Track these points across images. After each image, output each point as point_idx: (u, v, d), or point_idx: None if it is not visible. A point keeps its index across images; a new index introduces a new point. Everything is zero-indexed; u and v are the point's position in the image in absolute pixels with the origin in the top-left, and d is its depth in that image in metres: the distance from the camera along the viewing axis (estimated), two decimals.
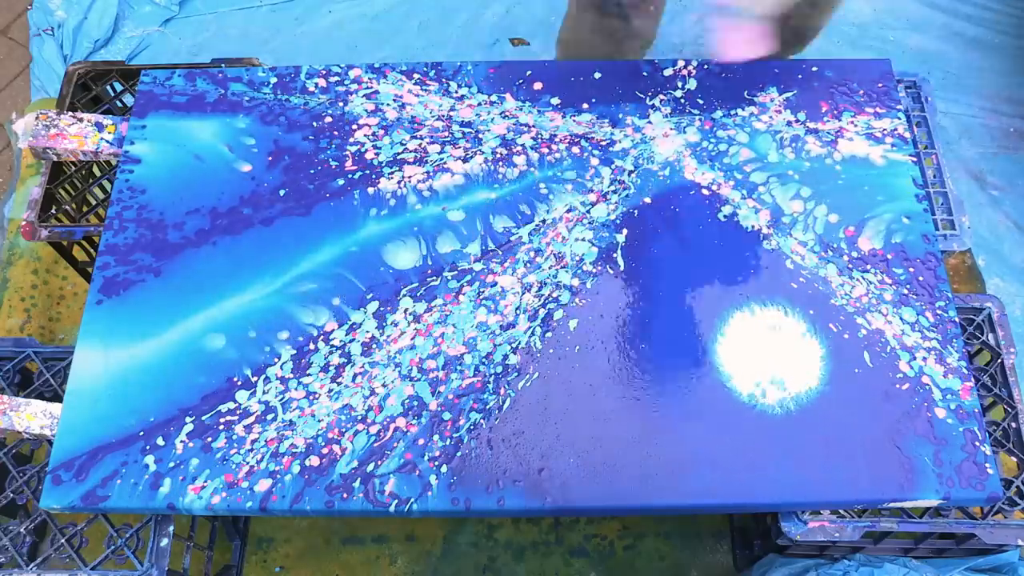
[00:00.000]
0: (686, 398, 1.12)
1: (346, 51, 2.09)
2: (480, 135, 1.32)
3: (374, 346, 1.16)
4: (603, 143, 1.31)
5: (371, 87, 1.36)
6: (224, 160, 1.30)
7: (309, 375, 1.14)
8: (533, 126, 1.32)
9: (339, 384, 1.14)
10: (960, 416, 1.11)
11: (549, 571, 1.52)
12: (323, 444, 1.10)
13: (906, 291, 1.19)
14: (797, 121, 1.32)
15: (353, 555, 1.54)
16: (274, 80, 1.37)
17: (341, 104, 1.35)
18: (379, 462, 1.09)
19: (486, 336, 1.16)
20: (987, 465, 1.08)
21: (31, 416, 1.15)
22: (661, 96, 1.34)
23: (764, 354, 1.15)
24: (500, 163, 1.29)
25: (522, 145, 1.31)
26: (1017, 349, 1.27)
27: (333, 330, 1.17)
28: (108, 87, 1.50)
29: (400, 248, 1.23)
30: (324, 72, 1.38)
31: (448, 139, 1.31)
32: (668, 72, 1.37)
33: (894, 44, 2.06)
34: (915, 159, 1.29)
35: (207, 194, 1.27)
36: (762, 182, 1.27)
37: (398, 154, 1.30)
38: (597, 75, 1.37)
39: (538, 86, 1.36)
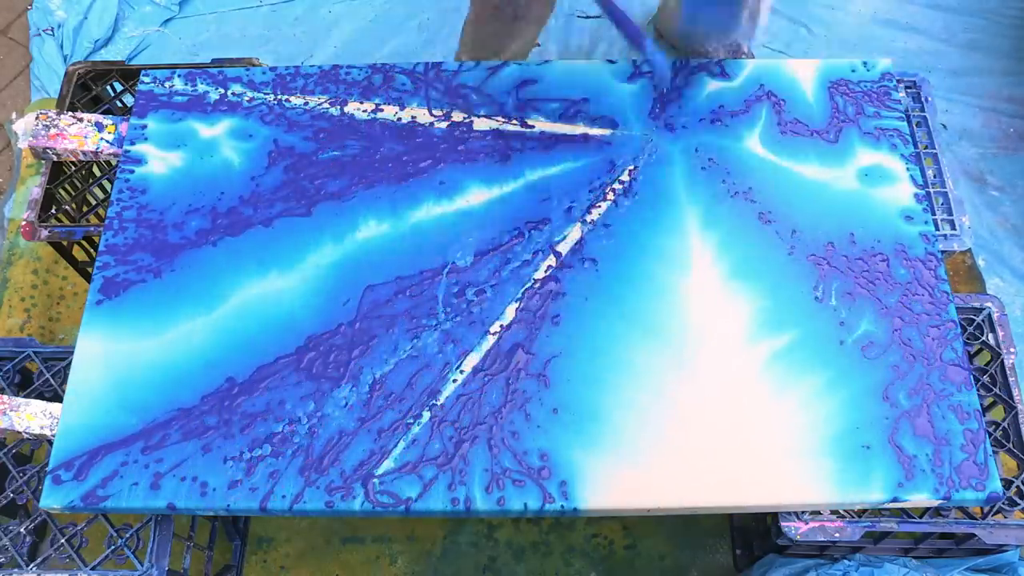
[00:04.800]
0: (686, 398, 1.12)
1: (346, 51, 2.09)
2: (480, 135, 1.32)
3: (374, 346, 1.16)
4: (603, 143, 1.31)
5: (371, 87, 1.36)
6: (224, 160, 1.30)
7: (310, 375, 1.14)
8: (533, 126, 1.32)
9: (339, 384, 1.13)
10: (960, 416, 1.11)
11: (549, 571, 1.51)
12: (323, 444, 1.10)
13: (906, 291, 1.19)
14: (797, 121, 1.32)
15: (353, 555, 1.54)
16: (274, 80, 1.37)
17: (341, 104, 1.35)
18: (379, 462, 1.09)
19: (486, 336, 1.16)
20: (987, 465, 1.08)
21: (31, 416, 1.15)
22: (661, 96, 1.34)
23: (764, 354, 1.15)
24: (500, 163, 1.29)
25: (522, 145, 1.30)
26: (1017, 349, 1.27)
27: (333, 329, 1.17)
28: (108, 87, 1.50)
29: (400, 248, 1.23)
30: (324, 72, 1.38)
31: (448, 139, 1.31)
32: (670, 70, 1.36)
33: (894, 44, 2.06)
34: (915, 159, 1.29)
35: (207, 194, 1.27)
36: (762, 182, 1.27)
37: (398, 154, 1.30)
38: (597, 75, 1.37)
39: (538, 86, 1.36)
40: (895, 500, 1.07)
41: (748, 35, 1.70)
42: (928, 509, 1.16)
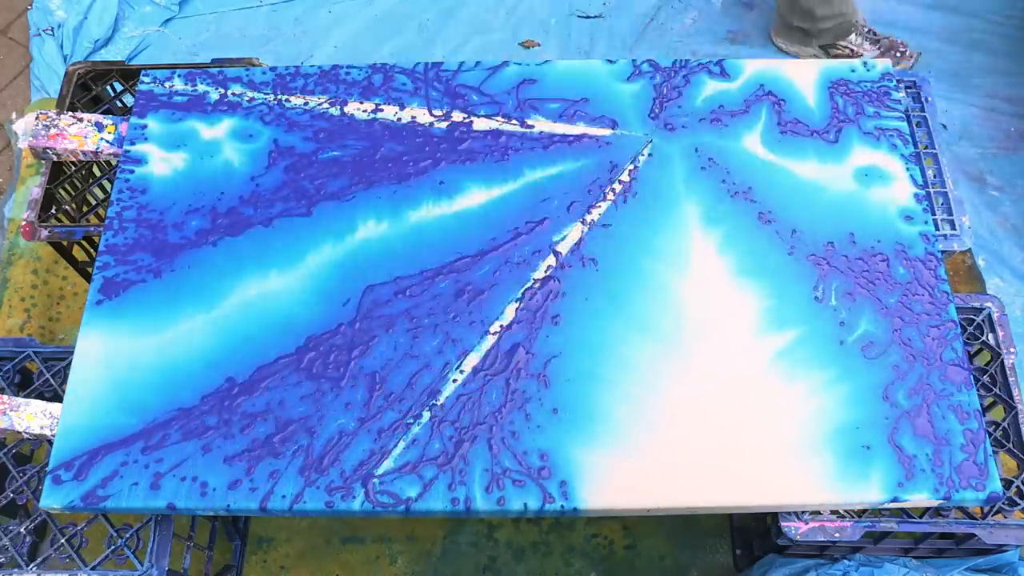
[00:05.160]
0: (686, 398, 1.12)
1: (346, 51, 2.09)
2: (480, 135, 1.32)
3: (374, 346, 1.16)
4: (603, 143, 1.31)
5: (371, 87, 1.36)
6: (224, 160, 1.30)
7: (310, 375, 1.14)
8: (533, 126, 1.32)
9: (339, 384, 1.13)
10: (960, 416, 1.11)
11: (549, 571, 1.52)
12: (323, 444, 1.10)
13: (906, 291, 1.19)
14: (797, 121, 1.32)
15: (353, 555, 1.54)
16: (274, 80, 1.37)
17: (341, 104, 1.35)
18: (379, 462, 1.09)
19: (486, 336, 1.16)
20: (987, 465, 1.08)
21: (31, 416, 1.15)
22: (661, 96, 1.34)
23: (764, 354, 1.15)
24: (500, 163, 1.29)
25: (522, 145, 1.30)
26: (1017, 349, 1.27)
27: (333, 329, 1.17)
28: (108, 87, 1.50)
29: (400, 248, 1.23)
30: (324, 72, 1.38)
31: (448, 139, 1.31)
32: (668, 72, 1.36)
33: None
34: (915, 159, 1.29)
35: (207, 194, 1.27)
36: (762, 182, 1.27)
37: (398, 154, 1.30)
38: (597, 75, 1.36)
39: (538, 86, 1.36)
40: (895, 500, 1.07)
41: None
42: (928, 509, 1.16)
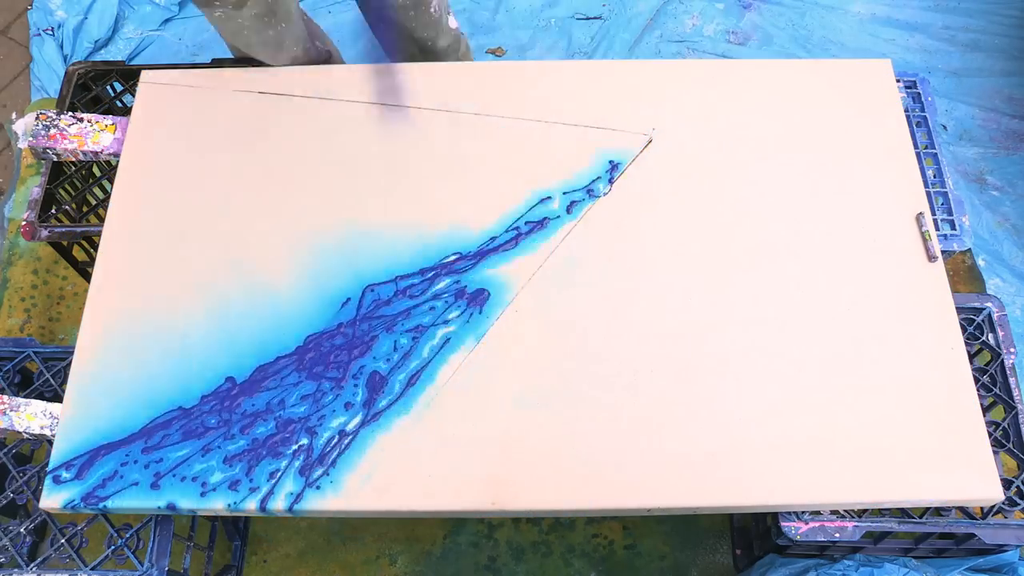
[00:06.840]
0: (685, 397, 1.12)
1: (345, 51, 2.08)
2: (480, 135, 1.31)
3: (374, 346, 1.16)
4: (602, 143, 1.30)
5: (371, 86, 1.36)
6: (223, 160, 1.30)
7: (310, 375, 1.14)
8: (533, 126, 1.32)
9: (339, 384, 1.13)
10: (960, 416, 1.11)
11: (549, 571, 1.51)
12: (324, 444, 1.10)
13: (906, 291, 1.18)
14: (797, 121, 1.31)
15: (353, 555, 1.54)
16: (274, 80, 1.37)
17: (341, 104, 1.35)
18: (378, 462, 1.09)
19: (486, 335, 1.16)
20: (987, 465, 1.08)
21: (31, 416, 1.15)
22: (663, 97, 1.34)
23: (763, 354, 1.14)
24: (500, 164, 1.29)
25: (521, 146, 1.30)
26: (1017, 349, 1.27)
27: (333, 329, 1.17)
28: (108, 87, 1.50)
29: (400, 248, 1.23)
30: (323, 72, 1.38)
31: (448, 138, 1.31)
32: (670, 71, 1.36)
33: (894, 44, 2.06)
34: (915, 159, 1.29)
35: (207, 194, 1.27)
36: (762, 182, 1.27)
37: (398, 153, 1.30)
38: (596, 75, 1.36)
39: (538, 86, 1.36)
40: (895, 500, 1.07)
41: None
42: (928, 509, 1.16)
